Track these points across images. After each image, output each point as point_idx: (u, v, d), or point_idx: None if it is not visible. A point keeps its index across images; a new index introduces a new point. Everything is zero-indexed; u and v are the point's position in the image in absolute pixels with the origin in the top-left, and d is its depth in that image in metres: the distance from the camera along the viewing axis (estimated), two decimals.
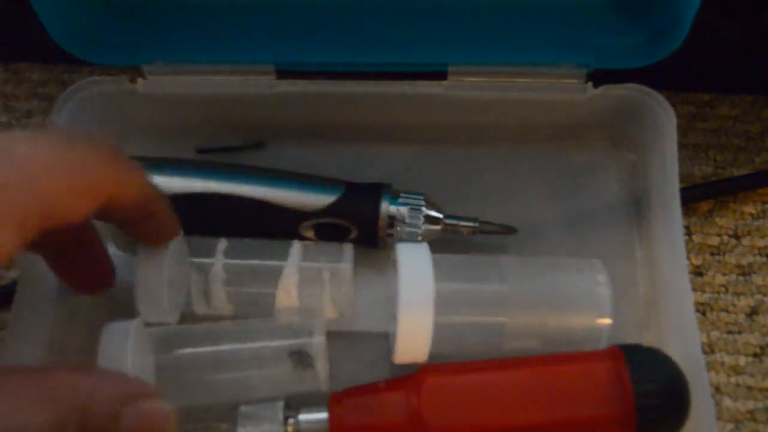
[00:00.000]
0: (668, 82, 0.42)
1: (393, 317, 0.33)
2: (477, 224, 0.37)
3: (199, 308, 0.35)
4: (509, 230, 0.38)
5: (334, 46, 0.39)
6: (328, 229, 0.37)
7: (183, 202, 0.36)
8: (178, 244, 0.33)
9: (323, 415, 0.30)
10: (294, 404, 0.31)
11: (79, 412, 0.23)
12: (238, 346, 0.32)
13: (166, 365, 0.32)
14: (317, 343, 0.32)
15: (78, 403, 0.23)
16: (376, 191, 0.37)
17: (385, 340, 0.36)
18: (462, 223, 0.37)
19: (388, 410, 0.30)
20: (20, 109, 0.47)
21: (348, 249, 0.36)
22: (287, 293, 0.34)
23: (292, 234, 0.37)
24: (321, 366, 0.32)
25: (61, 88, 0.46)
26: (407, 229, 0.36)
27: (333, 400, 0.31)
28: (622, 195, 0.40)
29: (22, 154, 0.23)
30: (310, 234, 0.37)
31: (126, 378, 0.27)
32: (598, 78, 0.38)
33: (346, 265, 0.35)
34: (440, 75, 0.39)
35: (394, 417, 0.30)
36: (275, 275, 0.35)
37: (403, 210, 0.36)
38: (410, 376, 0.31)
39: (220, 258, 0.35)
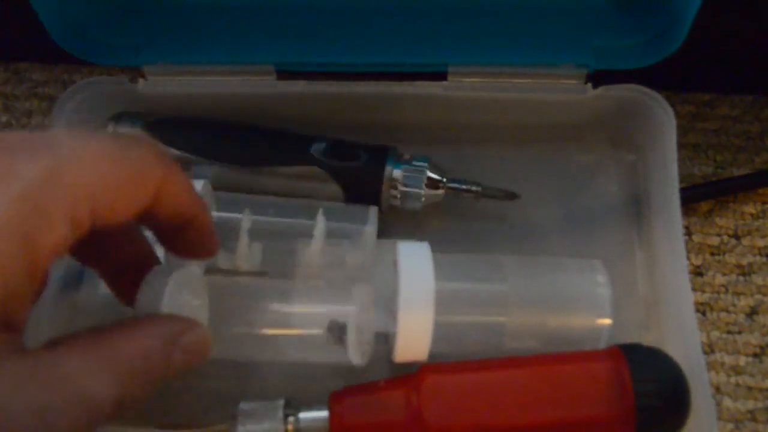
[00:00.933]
0: (668, 82, 0.42)
1: (393, 316, 0.33)
2: (479, 188, 0.38)
3: (224, 262, 0.35)
4: (511, 195, 0.38)
5: (334, 46, 0.39)
6: (339, 150, 0.38)
7: (202, 125, 0.39)
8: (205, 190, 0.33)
9: (323, 414, 0.30)
10: (294, 403, 0.31)
11: (141, 369, 0.24)
12: (279, 305, 0.32)
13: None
14: (351, 313, 0.32)
15: (137, 363, 0.24)
16: (381, 153, 0.38)
17: (385, 339, 0.36)
18: (464, 186, 0.38)
19: (388, 409, 0.30)
20: (20, 109, 0.47)
21: (372, 211, 0.36)
22: (313, 253, 0.35)
23: (302, 153, 0.38)
24: (351, 338, 0.32)
25: (61, 88, 0.46)
26: (410, 190, 0.37)
27: (333, 399, 0.31)
28: (622, 195, 0.40)
29: (68, 147, 0.23)
30: (320, 155, 0.37)
31: (165, 319, 0.27)
32: (598, 78, 0.38)
33: (370, 228, 0.36)
34: (440, 75, 0.39)
35: (394, 415, 0.30)
36: (302, 234, 0.35)
37: (407, 172, 0.37)
38: (410, 374, 0.31)
39: (248, 214, 0.35)
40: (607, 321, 0.33)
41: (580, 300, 0.33)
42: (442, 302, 0.32)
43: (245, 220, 0.35)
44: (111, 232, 0.28)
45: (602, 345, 0.33)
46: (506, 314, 0.33)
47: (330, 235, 0.35)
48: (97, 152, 0.24)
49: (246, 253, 0.35)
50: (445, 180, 0.38)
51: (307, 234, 0.35)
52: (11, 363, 0.22)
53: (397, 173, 0.37)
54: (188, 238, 0.28)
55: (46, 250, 0.22)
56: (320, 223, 0.35)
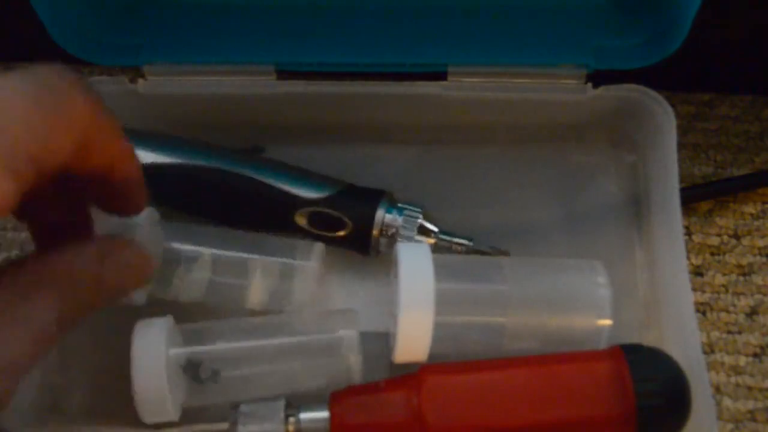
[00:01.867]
0: (668, 82, 0.42)
1: (393, 317, 0.33)
2: (471, 244, 0.37)
3: (164, 293, 0.35)
4: (501, 253, 0.37)
5: (334, 46, 0.39)
6: (323, 219, 0.37)
7: (182, 173, 0.37)
8: (151, 216, 0.33)
9: (324, 414, 0.30)
10: (295, 403, 0.31)
11: (76, 290, 0.24)
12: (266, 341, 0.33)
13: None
14: (348, 337, 0.33)
15: (72, 283, 0.24)
16: (374, 196, 0.37)
17: (385, 340, 0.36)
18: (456, 240, 0.37)
19: (388, 409, 0.30)
20: None
21: (317, 248, 0.36)
22: (255, 292, 0.35)
23: (286, 221, 0.37)
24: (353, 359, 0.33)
25: None
26: (399, 239, 0.36)
27: (334, 399, 0.31)
28: (622, 195, 0.40)
29: None
30: (303, 222, 0.37)
31: (96, 239, 0.27)
32: (598, 78, 0.38)
33: (312, 264, 0.36)
34: (440, 75, 0.39)
35: (395, 416, 0.30)
36: (246, 270, 0.35)
37: (399, 219, 0.36)
38: (411, 375, 0.31)
39: (190, 246, 0.35)
40: (608, 322, 0.33)
41: (581, 301, 0.33)
42: (442, 303, 0.32)
43: (185, 252, 0.35)
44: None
45: (602, 345, 0.33)
46: (506, 315, 0.33)
47: (272, 267, 0.36)
48: (19, 98, 0.22)
49: (179, 286, 0.35)
50: (437, 231, 0.37)
51: (252, 269, 0.35)
52: None
53: (388, 219, 0.36)
54: (115, 188, 0.27)
55: None
56: (260, 266, 0.35)
